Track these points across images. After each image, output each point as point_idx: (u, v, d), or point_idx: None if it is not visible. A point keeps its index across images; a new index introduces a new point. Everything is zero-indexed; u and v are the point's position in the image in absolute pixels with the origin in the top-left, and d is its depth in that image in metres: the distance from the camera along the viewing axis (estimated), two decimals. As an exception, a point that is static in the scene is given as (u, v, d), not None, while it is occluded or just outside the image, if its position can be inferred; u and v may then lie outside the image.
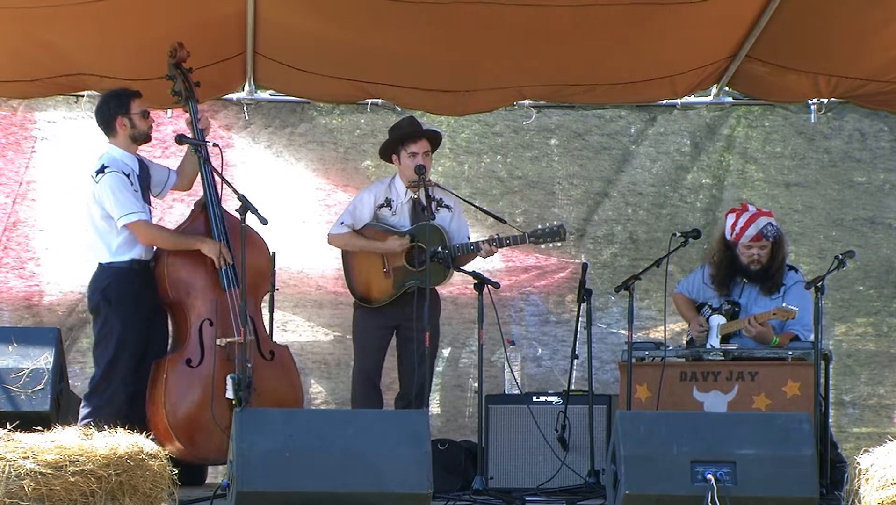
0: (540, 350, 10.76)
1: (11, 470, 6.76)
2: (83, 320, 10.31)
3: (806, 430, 7.56)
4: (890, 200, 10.76)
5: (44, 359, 8.15)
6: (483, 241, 9.45)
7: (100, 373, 8.75)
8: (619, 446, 7.48)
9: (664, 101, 10.75)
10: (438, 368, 10.53)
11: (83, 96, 10.32)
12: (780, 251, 9.40)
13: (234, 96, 10.53)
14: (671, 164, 10.84)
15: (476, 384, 9.81)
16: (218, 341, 8.76)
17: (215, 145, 9.05)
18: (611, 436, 7.89)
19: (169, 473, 7.23)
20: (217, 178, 9.09)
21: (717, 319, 9.32)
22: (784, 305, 9.10)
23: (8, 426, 7.05)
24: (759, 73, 10.30)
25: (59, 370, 8.29)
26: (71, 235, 10.27)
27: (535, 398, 9.45)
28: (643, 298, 10.52)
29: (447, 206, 9.58)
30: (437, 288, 9.54)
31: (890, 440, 7.26)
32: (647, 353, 9.06)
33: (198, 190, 9.26)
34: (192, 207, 9.19)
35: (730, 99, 10.86)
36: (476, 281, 9.10)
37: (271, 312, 9.65)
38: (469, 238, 9.57)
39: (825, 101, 10.68)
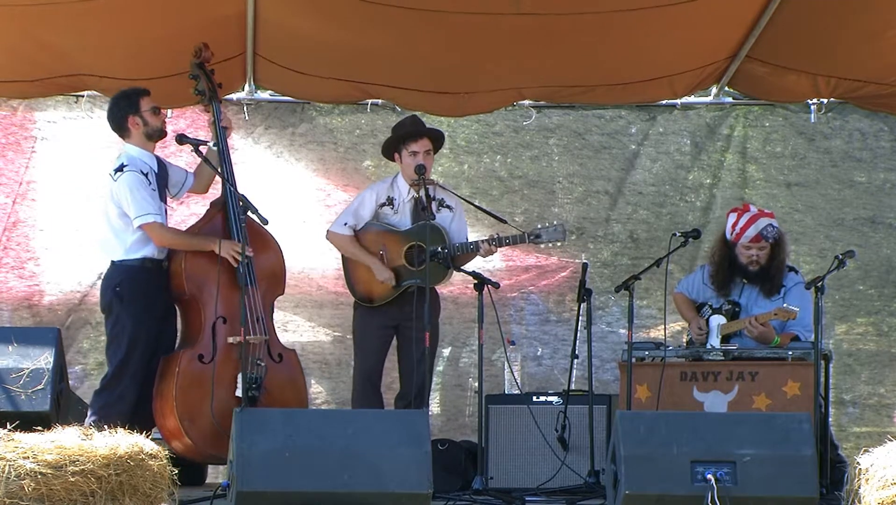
0: (540, 350, 10.76)
1: (11, 470, 6.76)
2: (83, 320, 10.31)
3: (806, 430, 7.56)
4: (890, 200, 10.76)
5: (44, 359, 8.15)
6: (483, 241, 9.45)
7: (111, 371, 8.78)
8: (619, 446, 7.48)
9: (664, 101, 10.75)
10: (438, 368, 10.53)
11: (83, 96, 10.33)
12: (779, 253, 9.39)
13: (234, 96, 10.53)
14: (671, 164, 10.84)
15: (476, 384, 9.81)
16: (230, 339, 8.78)
17: (215, 145, 9.06)
18: (611, 436, 7.89)
19: (169, 473, 7.22)
20: (213, 177, 9.12)
21: (718, 319, 9.31)
22: (785, 305, 9.09)
23: (8, 426, 7.04)
24: (758, 73, 10.30)
25: (59, 370, 8.30)
26: (71, 235, 10.27)
27: (535, 398, 9.45)
28: (643, 298, 10.53)
29: (448, 207, 9.58)
30: (437, 288, 9.55)
31: (890, 440, 7.25)
32: (647, 353, 9.06)
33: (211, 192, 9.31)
34: (209, 206, 9.22)
35: (730, 99, 10.86)
36: (476, 281, 9.10)
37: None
38: (468, 240, 9.57)
39: (825, 101, 10.69)
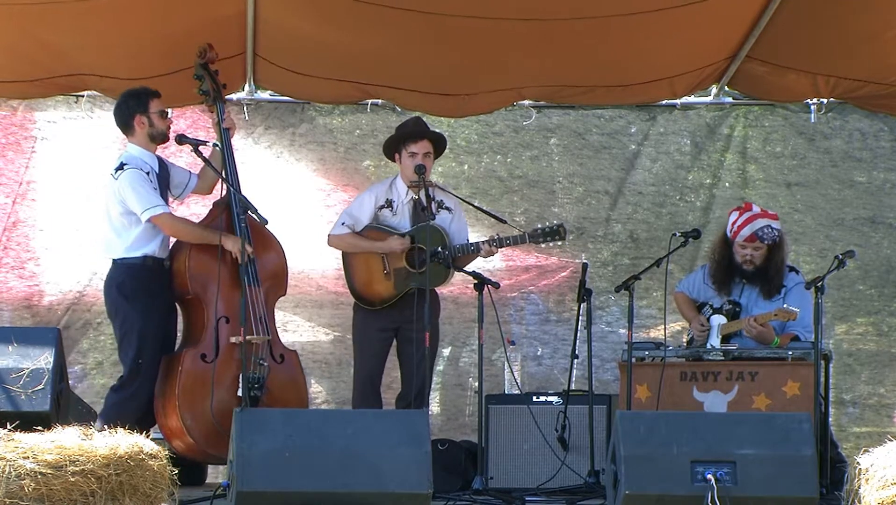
0: (540, 350, 10.76)
1: (11, 470, 6.76)
2: (83, 320, 10.31)
3: (806, 430, 7.56)
4: (890, 200, 10.76)
5: (44, 359, 8.14)
6: (483, 242, 9.45)
7: (126, 370, 8.83)
8: (619, 446, 7.48)
9: (664, 102, 10.75)
10: (439, 368, 10.53)
11: (83, 96, 10.33)
12: (776, 255, 9.36)
13: (234, 96, 10.53)
14: (671, 164, 10.84)
15: (476, 384, 9.80)
16: (233, 339, 8.78)
17: (215, 146, 9.07)
18: (611, 436, 7.88)
19: (169, 473, 7.22)
20: (217, 178, 9.12)
21: (718, 319, 9.32)
22: (785, 305, 9.09)
23: (8, 426, 7.04)
24: (758, 72, 10.30)
25: (59, 370, 8.29)
26: (71, 235, 10.27)
27: (535, 398, 9.44)
28: (643, 298, 10.52)
29: (447, 208, 9.58)
30: (437, 288, 9.54)
31: (890, 440, 7.25)
32: (647, 353, 9.06)
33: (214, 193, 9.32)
34: (212, 206, 9.22)
35: (730, 99, 10.86)
36: (476, 281, 9.10)
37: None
38: (468, 241, 9.56)
39: (825, 101, 10.69)
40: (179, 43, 9.32)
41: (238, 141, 10.51)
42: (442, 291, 9.93)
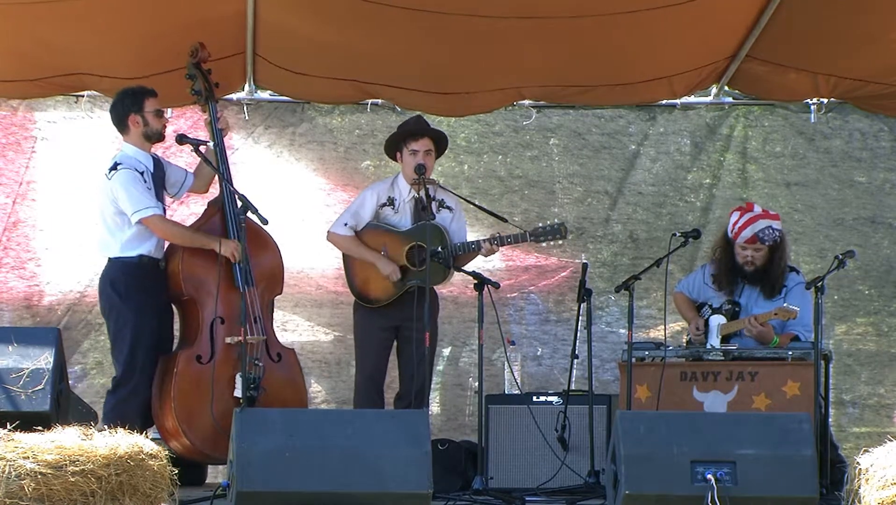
0: (540, 350, 10.75)
1: (11, 470, 6.76)
2: (83, 320, 10.30)
3: (806, 430, 7.56)
4: (890, 200, 10.76)
5: (44, 359, 8.13)
6: (484, 240, 9.45)
7: (122, 369, 8.83)
8: (619, 446, 7.48)
9: (664, 101, 10.75)
10: (438, 368, 10.53)
11: (83, 96, 10.32)
12: (778, 256, 9.37)
13: (234, 96, 10.53)
14: (671, 164, 10.84)
15: (476, 384, 9.80)
16: (228, 339, 8.78)
17: (216, 146, 9.06)
18: (611, 436, 7.88)
19: (169, 473, 7.22)
20: (213, 177, 9.12)
21: (718, 319, 9.31)
22: (785, 305, 9.09)
23: (8, 426, 7.04)
24: (758, 72, 10.30)
25: (59, 370, 8.28)
26: (71, 235, 10.27)
27: (535, 398, 9.44)
28: (643, 298, 10.52)
29: (448, 207, 9.58)
30: (436, 288, 9.54)
31: (890, 440, 7.25)
32: (647, 353, 9.06)
33: (210, 192, 9.31)
34: (207, 206, 9.22)
35: (730, 99, 10.85)
36: (476, 281, 9.10)
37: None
38: (468, 240, 9.56)
39: (825, 101, 10.69)
40: (179, 42, 9.32)
41: (238, 141, 10.52)
42: (442, 290, 9.93)
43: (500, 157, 10.83)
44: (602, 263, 10.77)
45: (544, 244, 9.54)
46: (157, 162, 9.07)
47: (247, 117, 10.59)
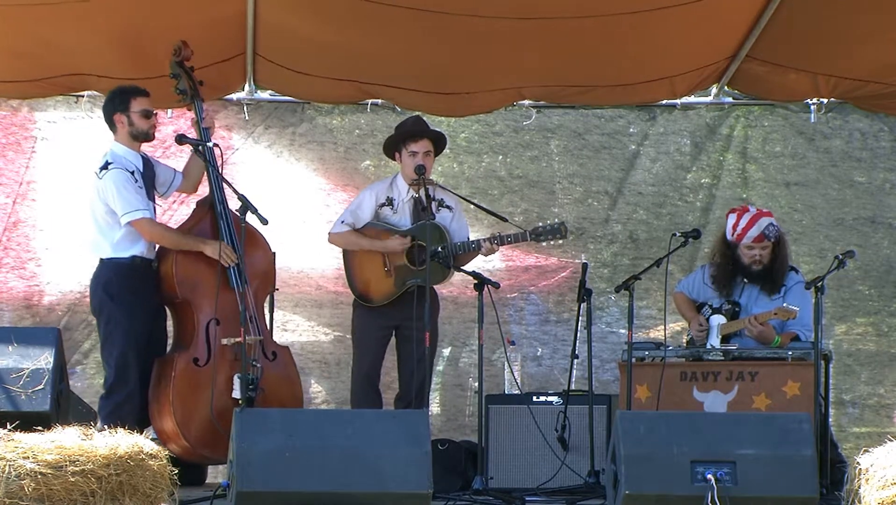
0: (540, 350, 10.75)
1: (11, 470, 6.76)
2: (84, 320, 10.30)
3: (806, 430, 7.56)
4: (890, 200, 10.76)
5: (44, 359, 8.14)
6: (484, 239, 9.45)
7: (113, 372, 8.79)
8: (619, 446, 7.48)
9: (664, 102, 10.75)
10: (438, 368, 10.53)
11: (83, 96, 10.32)
12: (781, 251, 9.39)
13: (234, 96, 10.54)
14: (671, 164, 10.84)
15: (476, 384, 9.80)
16: (224, 341, 8.77)
17: (215, 145, 9.05)
18: (611, 436, 7.88)
19: (169, 473, 7.22)
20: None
21: (718, 319, 9.31)
22: (785, 305, 9.09)
23: (8, 426, 7.04)
24: (758, 72, 10.30)
25: (59, 370, 8.29)
26: (71, 235, 10.26)
27: (535, 398, 9.44)
28: (643, 298, 10.52)
29: (448, 207, 9.58)
30: (436, 288, 9.55)
31: (890, 440, 7.25)
32: (647, 353, 9.06)
33: (201, 191, 9.29)
34: (195, 206, 9.20)
35: (730, 99, 10.86)
36: (476, 281, 9.10)
37: (271, 311, 9.65)
38: (468, 239, 9.56)
39: (825, 101, 10.69)
40: (179, 43, 9.33)
41: (238, 141, 10.53)
42: (442, 291, 9.93)
43: (501, 157, 10.83)
44: (602, 264, 10.78)
45: (544, 244, 9.54)
46: (147, 161, 9.03)
47: (247, 117, 10.59)
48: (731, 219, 9.44)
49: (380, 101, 10.61)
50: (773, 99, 10.76)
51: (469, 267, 9.37)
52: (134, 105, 8.91)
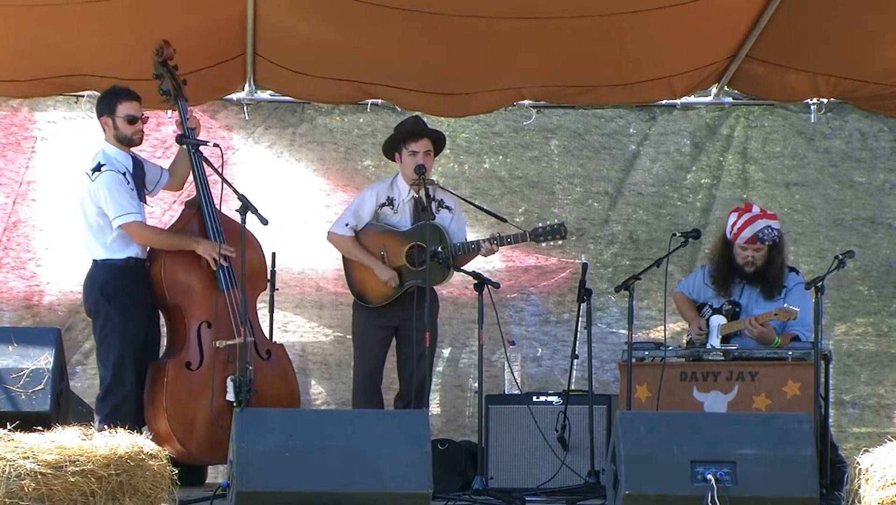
0: (540, 350, 10.75)
1: (11, 470, 6.76)
2: (84, 320, 10.30)
3: (806, 430, 7.56)
4: (890, 200, 10.76)
5: (44, 359, 8.13)
6: (484, 240, 9.45)
7: (110, 375, 8.76)
8: (619, 446, 7.48)
9: (664, 102, 10.75)
10: (438, 369, 10.53)
11: (83, 96, 10.32)
12: (777, 255, 9.36)
13: (234, 96, 10.54)
14: (671, 165, 10.84)
15: (476, 384, 9.80)
16: (217, 343, 8.75)
17: (216, 145, 9.01)
18: (611, 436, 7.88)
19: (169, 473, 7.22)
20: (217, 178, 9.08)
21: (718, 320, 9.31)
22: (786, 305, 9.09)
23: (8, 426, 7.04)
24: (758, 72, 10.30)
25: (59, 370, 8.29)
26: (71, 235, 10.25)
27: (535, 398, 9.44)
28: (643, 298, 10.52)
29: (447, 207, 9.58)
30: (436, 288, 9.54)
31: (890, 440, 7.25)
32: (647, 353, 9.06)
33: (187, 190, 9.28)
34: (183, 208, 9.19)
35: (730, 99, 10.86)
36: (476, 281, 9.10)
37: (271, 312, 9.64)
38: (468, 240, 9.56)
39: (825, 101, 10.69)
40: (180, 44, 9.30)
41: (238, 141, 10.53)
42: (442, 291, 9.92)
43: (501, 157, 10.83)
44: (602, 264, 10.77)
45: (544, 244, 9.53)
46: (136, 161, 8.99)
47: (247, 117, 10.59)
48: (732, 217, 9.44)
49: (380, 101, 10.61)
50: (773, 99, 10.77)
51: (469, 267, 9.37)
52: (119, 109, 8.85)
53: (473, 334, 10.07)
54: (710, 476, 7.36)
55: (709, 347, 9.16)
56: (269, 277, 9.42)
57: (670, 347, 9.17)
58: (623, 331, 10.22)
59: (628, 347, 9.01)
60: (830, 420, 9.37)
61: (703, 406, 8.92)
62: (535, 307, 10.83)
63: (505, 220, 9.69)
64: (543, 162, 10.83)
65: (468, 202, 9.88)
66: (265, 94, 10.62)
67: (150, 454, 7.15)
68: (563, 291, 10.74)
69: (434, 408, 10.46)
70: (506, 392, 10.41)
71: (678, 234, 9.28)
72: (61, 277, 10.34)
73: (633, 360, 9.00)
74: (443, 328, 10.08)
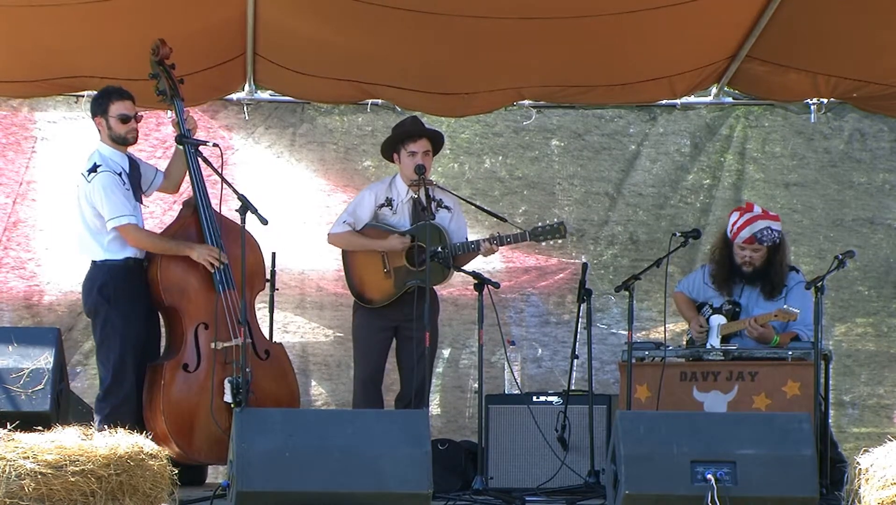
0: (540, 351, 10.75)
1: (11, 470, 6.76)
2: (84, 320, 10.30)
3: (806, 430, 7.56)
4: (890, 200, 10.76)
5: (44, 359, 8.14)
6: (484, 240, 9.45)
7: (110, 375, 8.75)
8: (619, 446, 7.48)
9: (664, 102, 10.75)
10: (438, 369, 10.53)
11: (83, 96, 10.31)
12: (777, 256, 9.35)
13: (234, 96, 10.54)
14: (671, 165, 10.84)
15: (476, 384, 9.80)
16: (214, 345, 8.73)
17: (216, 145, 9.00)
18: (611, 436, 7.89)
19: (169, 473, 7.22)
20: (216, 179, 9.07)
21: (718, 319, 9.31)
22: (786, 306, 9.09)
23: (8, 426, 7.04)
24: (758, 72, 10.30)
25: (59, 370, 8.29)
26: (71, 235, 10.26)
27: (535, 398, 9.44)
28: (643, 299, 10.52)
29: (447, 207, 9.58)
30: (436, 288, 9.54)
31: (890, 440, 7.25)
32: (647, 353, 9.06)
33: (188, 190, 9.27)
34: (181, 208, 9.17)
35: (730, 99, 10.86)
36: (476, 281, 9.10)
37: (272, 312, 9.64)
38: (468, 240, 9.56)
39: (825, 101, 10.69)
40: (180, 45, 9.30)
41: (238, 141, 10.53)
42: (442, 292, 9.92)
43: (501, 157, 10.83)
44: (602, 265, 10.77)
45: (544, 244, 9.53)
46: (132, 162, 8.97)
47: (247, 117, 10.59)
48: (733, 217, 9.45)
49: (380, 101, 10.60)
50: (773, 99, 10.77)
51: (469, 267, 9.37)
52: (112, 109, 8.82)
53: (473, 335, 10.07)
54: (710, 476, 7.36)
55: (709, 346, 9.17)
56: (269, 277, 9.42)
57: (670, 347, 9.17)
58: (623, 331, 10.22)
59: (628, 347, 9.02)
60: (830, 420, 9.37)
61: (703, 406, 8.92)
62: (535, 308, 10.83)
63: (505, 220, 9.70)
64: (543, 162, 10.84)
65: (468, 202, 9.88)
66: (265, 94, 10.62)
67: (150, 454, 7.15)
68: (563, 292, 10.74)
69: (434, 408, 10.46)
70: (506, 392, 10.41)
71: (678, 235, 9.29)
72: (61, 277, 10.34)
73: (633, 360, 9.00)
74: (443, 329, 10.09)
